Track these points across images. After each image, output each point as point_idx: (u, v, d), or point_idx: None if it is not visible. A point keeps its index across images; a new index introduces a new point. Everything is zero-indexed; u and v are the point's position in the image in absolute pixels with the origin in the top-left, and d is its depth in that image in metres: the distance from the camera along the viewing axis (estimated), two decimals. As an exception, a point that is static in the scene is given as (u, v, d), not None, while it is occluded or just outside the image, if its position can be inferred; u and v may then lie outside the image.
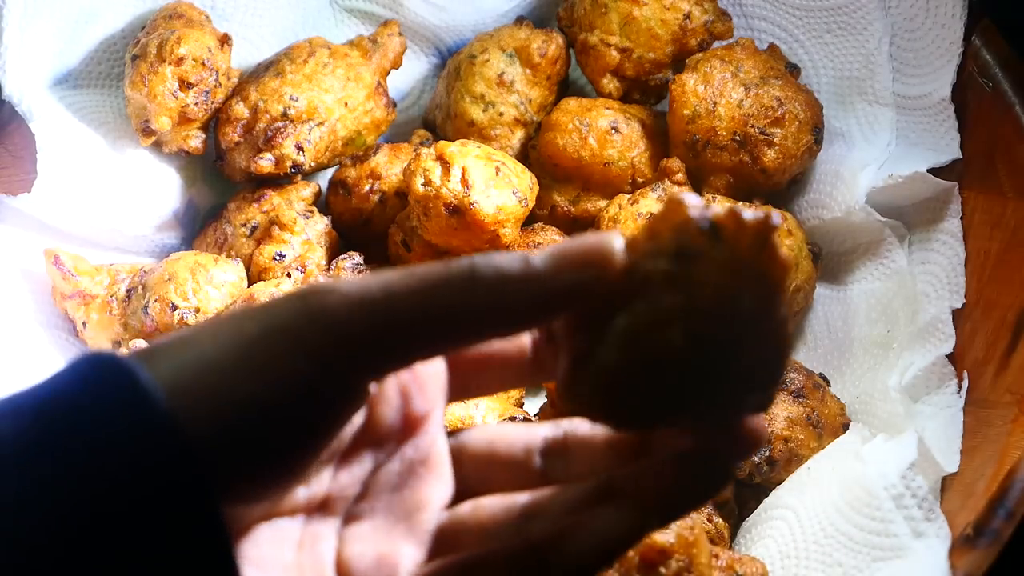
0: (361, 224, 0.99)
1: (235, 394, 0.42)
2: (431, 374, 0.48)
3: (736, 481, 0.87)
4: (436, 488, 0.49)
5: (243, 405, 0.42)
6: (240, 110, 0.97)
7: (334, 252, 0.97)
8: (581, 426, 0.49)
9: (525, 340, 0.49)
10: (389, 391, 0.48)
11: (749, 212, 0.41)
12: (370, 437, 0.48)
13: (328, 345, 0.42)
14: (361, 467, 0.48)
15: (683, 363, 0.41)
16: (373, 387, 0.45)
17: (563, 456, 0.49)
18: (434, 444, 0.49)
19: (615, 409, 0.43)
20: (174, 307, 0.88)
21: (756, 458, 0.85)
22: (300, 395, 0.42)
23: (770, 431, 0.86)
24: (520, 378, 0.50)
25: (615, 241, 0.43)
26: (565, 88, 1.05)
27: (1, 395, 0.42)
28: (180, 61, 0.93)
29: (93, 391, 0.41)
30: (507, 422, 0.76)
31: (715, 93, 0.95)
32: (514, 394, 0.90)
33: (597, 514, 0.45)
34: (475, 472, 0.50)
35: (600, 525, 0.45)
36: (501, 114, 1.00)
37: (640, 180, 0.98)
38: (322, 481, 0.48)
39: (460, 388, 0.50)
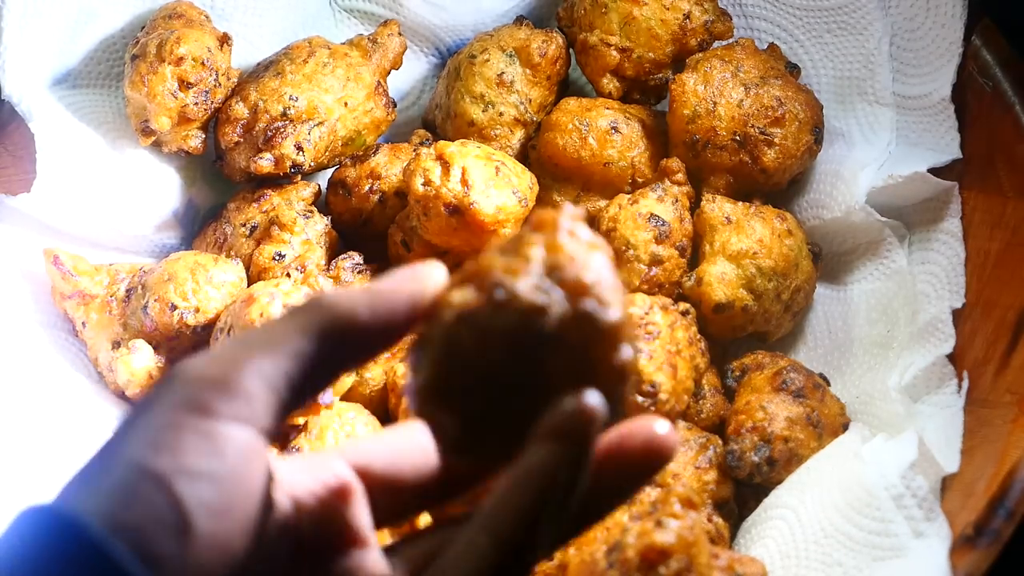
0: (361, 224, 0.99)
1: None
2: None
3: (736, 481, 0.87)
4: None
5: None
6: (240, 110, 0.97)
7: (334, 252, 0.97)
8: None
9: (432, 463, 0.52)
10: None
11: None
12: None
13: None
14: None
15: (479, 380, 0.46)
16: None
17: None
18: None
19: (440, 420, 0.47)
20: (174, 307, 0.88)
21: (756, 458, 0.85)
22: None
23: (770, 431, 0.86)
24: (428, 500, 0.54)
25: (428, 278, 0.49)
26: (565, 88, 1.05)
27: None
28: (180, 61, 0.93)
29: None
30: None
31: (715, 93, 0.95)
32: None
33: (454, 541, 0.47)
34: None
35: (453, 552, 0.46)
36: (501, 114, 1.00)
37: (640, 180, 0.98)
38: None
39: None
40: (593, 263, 0.46)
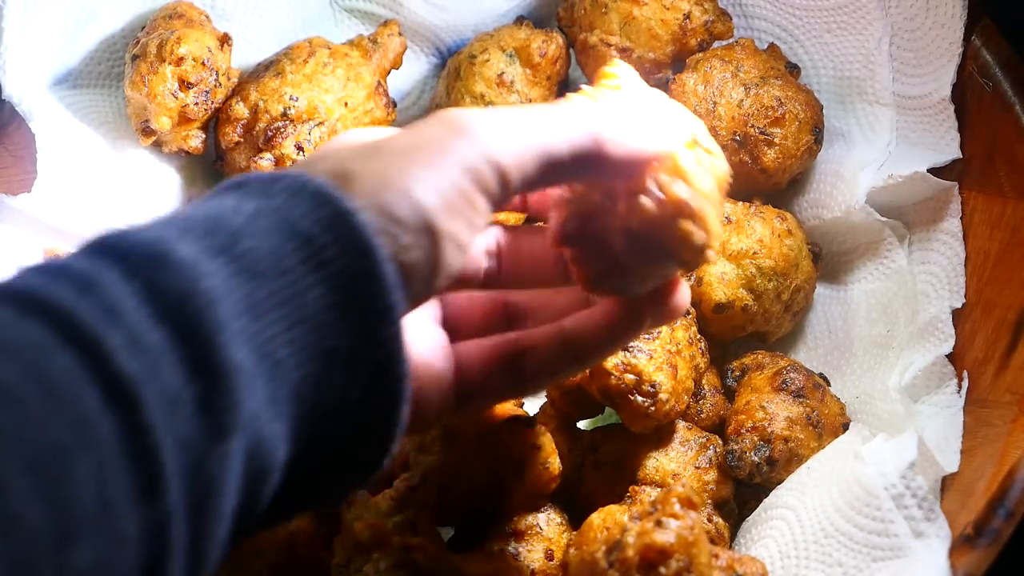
0: (361, 224, 0.99)
1: None
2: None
3: (736, 481, 0.87)
4: None
5: None
6: (240, 110, 0.97)
7: (334, 252, 0.97)
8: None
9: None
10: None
11: None
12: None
13: None
14: None
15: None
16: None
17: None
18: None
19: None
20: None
21: (756, 458, 0.85)
22: None
23: (770, 431, 0.86)
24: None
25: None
26: (565, 88, 1.05)
27: None
28: (180, 61, 0.93)
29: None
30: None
31: (715, 93, 0.95)
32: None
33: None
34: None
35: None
36: (501, 114, 1.00)
37: (640, 180, 0.98)
38: None
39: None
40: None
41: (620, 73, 0.68)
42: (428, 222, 0.52)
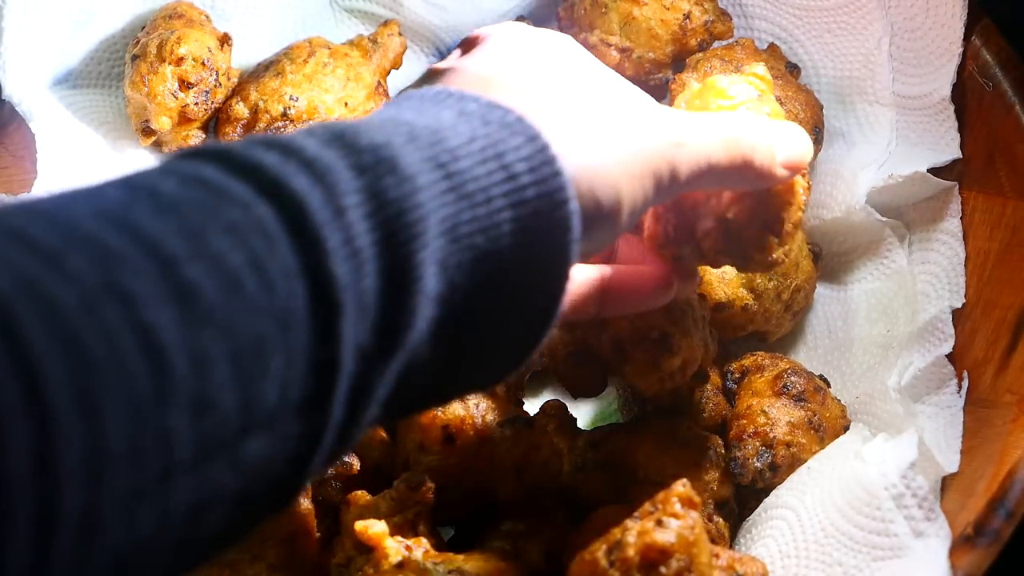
0: (361, 224, 0.99)
1: None
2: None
3: (737, 485, 0.87)
4: None
5: None
6: (240, 110, 0.97)
7: (334, 252, 0.97)
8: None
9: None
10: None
11: None
12: None
13: None
14: None
15: None
16: None
17: None
18: None
19: None
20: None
21: (759, 464, 0.85)
22: None
23: (772, 436, 0.86)
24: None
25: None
26: (565, 88, 1.05)
27: None
28: (180, 61, 0.93)
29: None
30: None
31: (715, 93, 0.95)
32: (514, 394, 0.90)
33: None
34: None
35: None
36: (501, 114, 1.00)
37: (640, 180, 0.98)
38: None
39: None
40: None
41: (759, 79, 0.73)
42: (619, 211, 0.58)
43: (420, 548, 0.73)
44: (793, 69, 1.00)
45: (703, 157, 0.61)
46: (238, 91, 0.98)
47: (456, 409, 0.80)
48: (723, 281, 0.92)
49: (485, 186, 0.51)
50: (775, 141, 0.64)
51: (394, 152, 0.48)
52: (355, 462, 0.84)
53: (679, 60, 1.00)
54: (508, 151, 0.52)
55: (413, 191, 0.48)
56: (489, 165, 0.52)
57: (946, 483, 0.77)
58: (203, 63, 0.94)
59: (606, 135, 0.58)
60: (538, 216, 0.52)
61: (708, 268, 0.92)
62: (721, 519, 0.84)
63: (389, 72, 1.02)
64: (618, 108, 0.61)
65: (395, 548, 0.72)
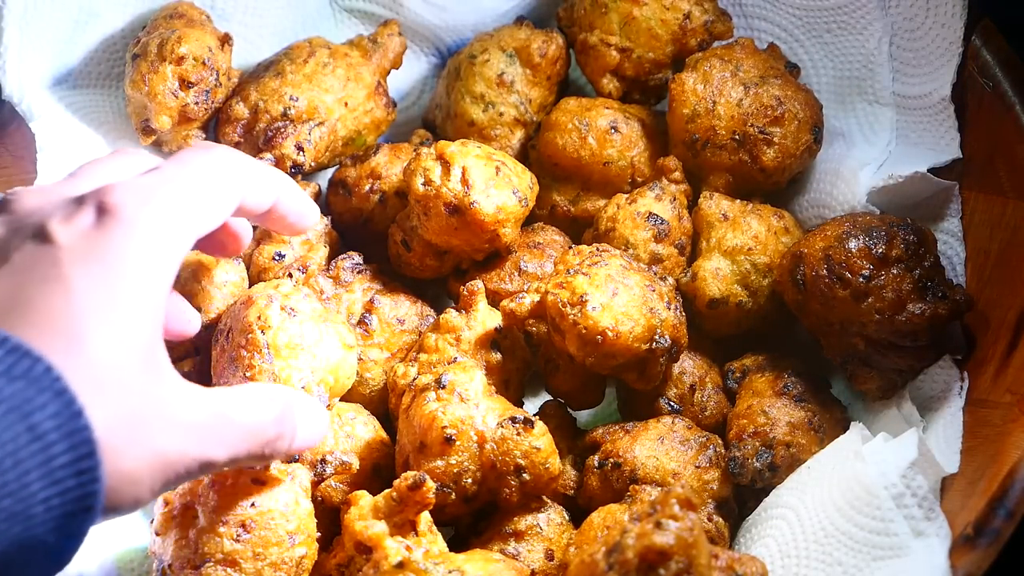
0: (361, 224, 0.99)
1: None
2: None
3: (737, 485, 0.87)
4: None
5: None
6: (240, 110, 0.97)
7: (335, 252, 0.97)
8: None
9: None
10: None
11: None
12: None
13: None
14: None
15: None
16: None
17: None
18: None
19: None
20: (174, 307, 0.88)
21: (758, 464, 0.85)
22: None
23: (772, 437, 0.86)
24: None
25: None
26: (565, 88, 1.05)
27: None
28: (181, 60, 0.93)
29: None
30: None
31: (714, 92, 0.95)
32: (514, 395, 0.90)
33: None
34: None
35: None
36: (501, 114, 1.00)
37: (640, 179, 0.98)
38: None
39: None
40: None
41: None
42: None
43: (420, 548, 0.73)
44: (793, 69, 1.00)
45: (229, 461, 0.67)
46: (238, 91, 0.98)
47: (456, 410, 0.80)
48: (717, 277, 0.92)
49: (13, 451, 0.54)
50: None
51: None
52: (355, 462, 0.84)
53: (679, 60, 1.00)
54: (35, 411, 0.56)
55: None
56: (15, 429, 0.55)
57: (946, 483, 0.77)
58: (203, 63, 0.94)
59: None
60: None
61: (702, 264, 0.93)
62: (721, 519, 0.84)
63: (389, 72, 1.02)
64: None
65: (395, 548, 0.72)
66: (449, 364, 0.85)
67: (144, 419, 0.60)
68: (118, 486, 0.59)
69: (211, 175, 0.69)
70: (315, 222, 0.83)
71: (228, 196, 0.70)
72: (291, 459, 0.83)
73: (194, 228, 0.66)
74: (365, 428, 0.88)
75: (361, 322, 0.92)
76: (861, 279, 0.84)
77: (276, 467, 0.78)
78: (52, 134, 0.92)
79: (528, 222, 0.98)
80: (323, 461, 0.84)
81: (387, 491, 0.75)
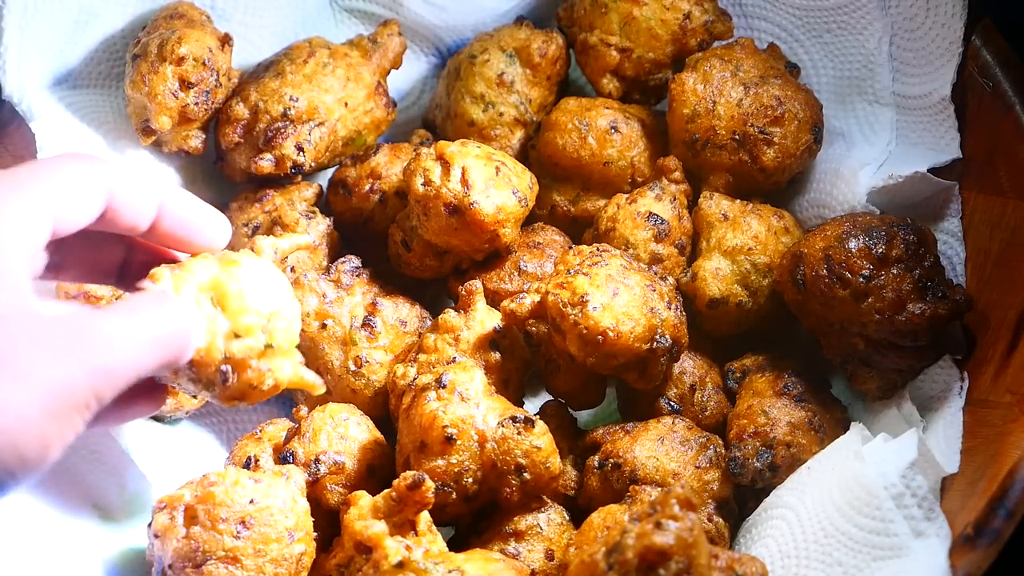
0: (361, 224, 0.99)
1: None
2: None
3: (737, 485, 0.87)
4: None
5: None
6: (240, 110, 0.97)
7: (335, 253, 0.97)
8: None
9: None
10: None
11: None
12: None
13: None
14: None
15: None
16: None
17: None
18: None
19: None
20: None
21: (758, 464, 0.85)
22: None
23: (772, 437, 0.86)
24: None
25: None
26: (565, 88, 1.05)
27: None
28: (181, 61, 0.93)
29: None
30: None
31: (715, 92, 0.95)
32: (514, 394, 0.90)
33: None
34: None
35: None
36: (501, 114, 1.00)
37: (640, 179, 0.98)
38: None
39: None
40: None
41: None
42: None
43: (420, 548, 0.73)
44: (793, 69, 1.00)
45: (131, 371, 0.61)
46: (238, 91, 0.98)
47: (457, 409, 0.80)
48: (717, 277, 0.92)
49: None
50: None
51: None
52: (349, 462, 0.84)
53: (679, 60, 1.00)
54: None
55: None
56: None
57: (946, 483, 0.77)
58: (204, 63, 0.94)
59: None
60: None
61: (701, 264, 0.93)
62: (721, 519, 0.84)
63: (389, 72, 1.02)
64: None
65: (395, 548, 0.73)
66: (449, 364, 0.85)
67: (12, 358, 0.56)
68: (8, 441, 0.55)
69: (78, 160, 0.66)
70: (221, 239, 0.75)
71: (93, 178, 0.66)
72: (284, 459, 0.83)
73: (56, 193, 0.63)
74: (358, 428, 0.88)
75: (366, 324, 0.92)
76: (861, 279, 0.84)
77: (271, 468, 0.78)
78: (52, 134, 0.92)
79: (528, 222, 0.98)
80: (317, 461, 0.84)
81: (387, 491, 0.75)
